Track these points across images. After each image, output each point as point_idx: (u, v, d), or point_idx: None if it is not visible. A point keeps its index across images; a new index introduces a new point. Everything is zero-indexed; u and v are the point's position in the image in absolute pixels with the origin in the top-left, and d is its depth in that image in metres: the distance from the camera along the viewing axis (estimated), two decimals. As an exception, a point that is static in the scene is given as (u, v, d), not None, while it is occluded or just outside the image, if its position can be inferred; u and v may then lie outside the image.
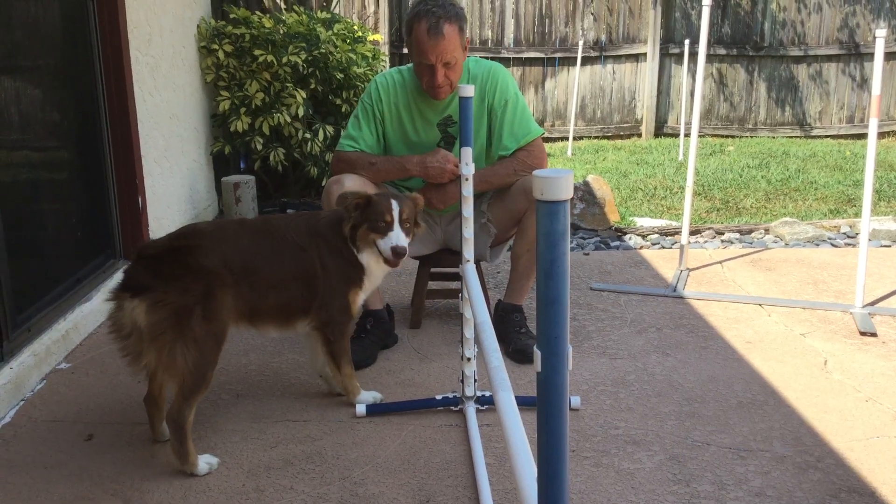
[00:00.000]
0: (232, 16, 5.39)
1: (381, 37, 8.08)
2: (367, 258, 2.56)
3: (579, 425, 2.52)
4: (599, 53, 9.12)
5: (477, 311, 1.82)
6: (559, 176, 0.96)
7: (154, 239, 2.61)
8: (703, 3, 3.85)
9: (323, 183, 5.32)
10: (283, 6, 6.24)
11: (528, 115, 3.11)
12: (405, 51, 8.42)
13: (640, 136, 9.29)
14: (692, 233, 4.86)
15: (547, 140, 8.63)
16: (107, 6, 3.71)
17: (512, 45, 9.05)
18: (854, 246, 4.55)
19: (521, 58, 9.07)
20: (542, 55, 9.09)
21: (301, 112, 5.16)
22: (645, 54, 9.09)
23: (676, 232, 4.84)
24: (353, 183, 2.94)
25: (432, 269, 3.39)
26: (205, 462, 2.29)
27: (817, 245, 4.65)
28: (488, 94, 3.06)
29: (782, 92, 9.22)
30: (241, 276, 2.36)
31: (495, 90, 3.06)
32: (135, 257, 2.33)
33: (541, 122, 9.00)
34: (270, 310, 2.47)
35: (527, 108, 3.13)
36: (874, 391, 2.75)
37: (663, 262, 4.29)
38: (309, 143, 5.28)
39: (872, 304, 3.55)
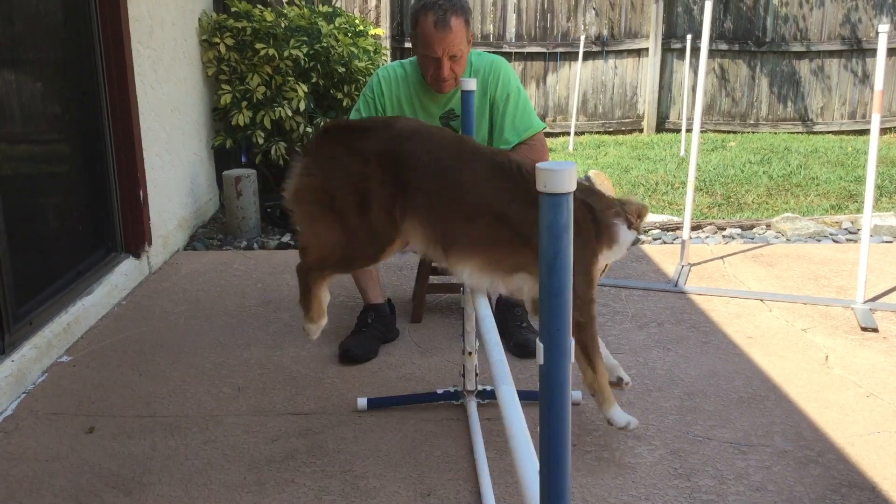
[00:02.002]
0: (233, 9, 5.38)
1: (383, 31, 8.06)
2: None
3: (580, 419, 2.52)
4: (601, 48, 9.10)
5: (478, 305, 1.82)
6: (562, 168, 0.96)
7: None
8: (705, -2, 3.85)
9: (324, 177, 5.31)
10: (284, 0, 6.23)
11: (529, 109, 3.10)
12: (407, 45, 8.42)
13: (641, 131, 9.28)
14: (693, 228, 4.85)
15: (548, 135, 8.62)
16: (108, -2, 3.70)
17: (513, 40, 9.03)
18: (855, 241, 4.54)
19: (523, 52, 9.05)
20: (543, 50, 9.07)
21: (302, 106, 5.16)
22: (647, 49, 9.07)
23: (678, 227, 4.83)
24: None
25: (433, 264, 3.38)
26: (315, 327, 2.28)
27: (819, 241, 4.64)
28: (490, 88, 3.05)
29: (784, 87, 9.21)
30: (424, 186, 2.09)
31: (497, 83, 3.05)
32: (326, 127, 2.30)
33: (542, 117, 8.99)
34: (470, 244, 2.09)
35: (529, 102, 3.12)
36: (875, 386, 2.75)
37: (664, 257, 4.29)
38: (310, 138, 5.27)
39: (874, 299, 3.55)
